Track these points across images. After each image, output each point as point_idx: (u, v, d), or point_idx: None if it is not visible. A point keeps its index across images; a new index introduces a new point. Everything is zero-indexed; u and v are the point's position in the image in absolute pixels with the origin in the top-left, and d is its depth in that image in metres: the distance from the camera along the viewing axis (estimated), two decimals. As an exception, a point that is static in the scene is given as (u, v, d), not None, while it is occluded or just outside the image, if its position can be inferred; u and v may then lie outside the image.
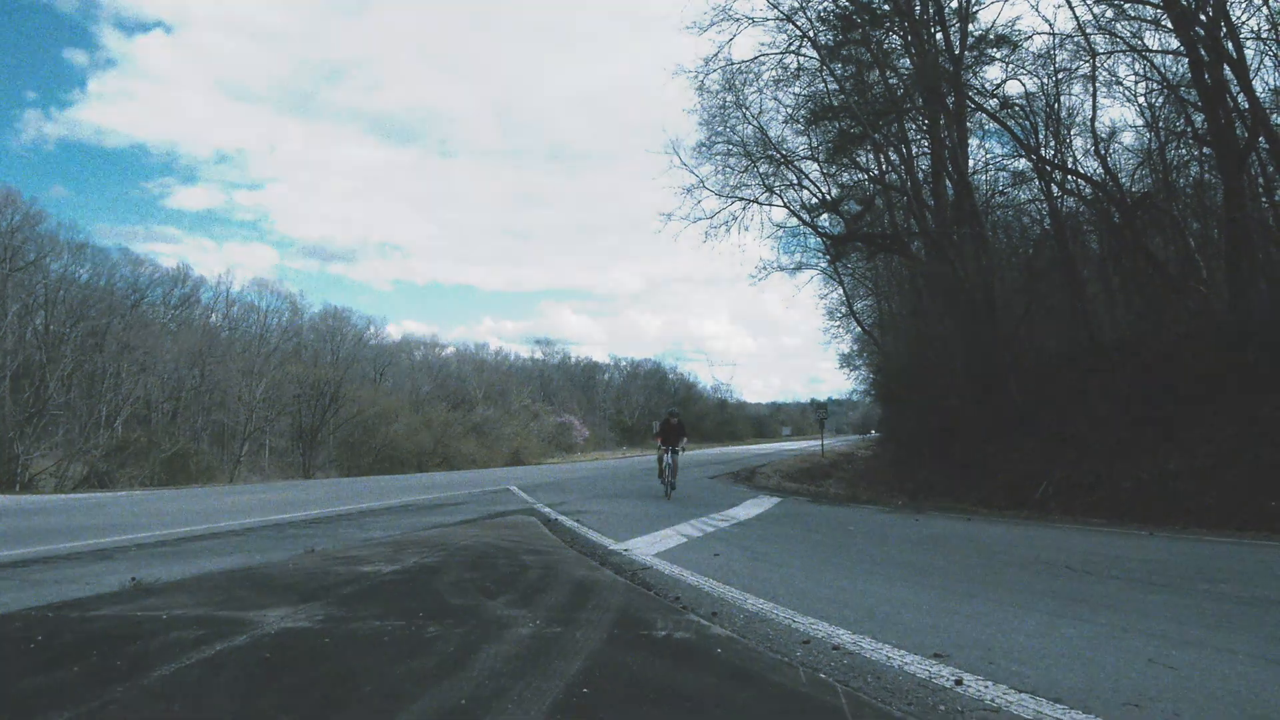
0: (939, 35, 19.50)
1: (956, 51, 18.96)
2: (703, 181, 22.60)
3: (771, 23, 20.46)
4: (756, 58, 20.85)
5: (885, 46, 20.50)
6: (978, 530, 10.39)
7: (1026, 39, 18.43)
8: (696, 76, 21.25)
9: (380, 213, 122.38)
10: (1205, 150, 16.14)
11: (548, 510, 12.87)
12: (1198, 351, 13.71)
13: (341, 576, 6.54)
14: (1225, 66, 14.36)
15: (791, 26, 20.49)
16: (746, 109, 22.05)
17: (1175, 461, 12.81)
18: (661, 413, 18.68)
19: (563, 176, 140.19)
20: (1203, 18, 14.39)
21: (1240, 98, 14.44)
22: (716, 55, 20.86)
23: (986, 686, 3.48)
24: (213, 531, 10.33)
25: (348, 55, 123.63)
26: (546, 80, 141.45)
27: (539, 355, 73.38)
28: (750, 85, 21.58)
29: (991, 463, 16.00)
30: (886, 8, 20.27)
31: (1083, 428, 14.59)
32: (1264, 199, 15.02)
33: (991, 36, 19.18)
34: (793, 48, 20.63)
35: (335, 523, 11.44)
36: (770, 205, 23.06)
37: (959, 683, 3.53)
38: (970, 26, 19.15)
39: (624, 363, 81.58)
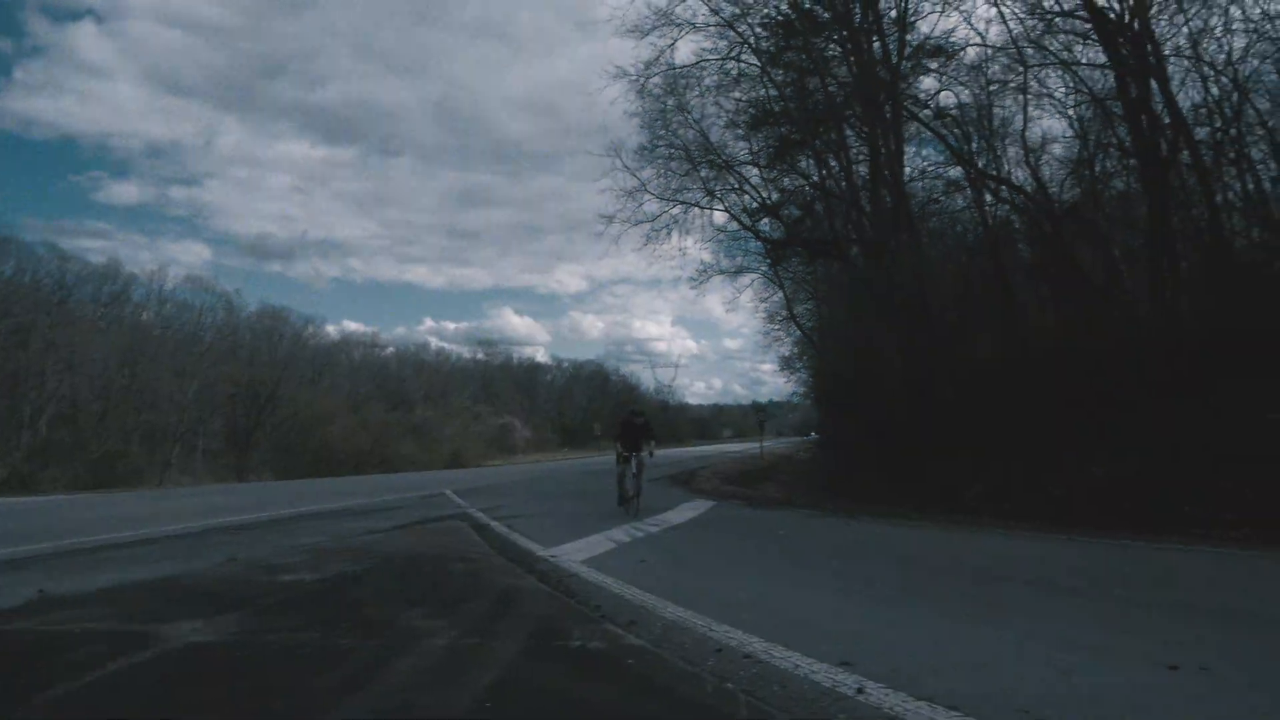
0: (877, 44, 19.77)
1: (894, 61, 19.24)
2: (644, 185, 22.58)
3: (713, 29, 20.56)
4: (698, 63, 20.93)
5: (826, 54, 20.72)
6: (904, 535, 10.56)
7: (960, 50, 18.76)
8: (637, 80, 21.25)
9: (320, 210, 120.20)
10: (1131, 162, 16.56)
11: (481, 515, 12.79)
12: (1121, 360, 14.07)
13: (261, 586, 6.44)
14: (1151, 81, 14.77)
15: (733, 33, 20.62)
16: (688, 113, 22.10)
17: (1100, 467, 13.15)
18: (622, 411, 16.24)
19: (506, 176, 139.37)
20: (1128, 34, 14.79)
21: (1164, 111, 14.86)
22: (657, 60, 20.85)
23: (887, 694, 3.55)
24: (134, 539, 10.08)
25: (287, 50, 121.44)
26: (491, 79, 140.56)
27: (481, 356, 72.92)
28: (692, 90, 21.65)
29: (926, 467, 16.23)
30: (827, 16, 20.48)
31: (1013, 434, 14.89)
32: (1190, 211, 15.44)
33: (929, 47, 19.50)
34: (733, 54, 20.75)
35: (263, 529, 11.24)
36: (711, 209, 23.15)
37: (860, 691, 3.59)
38: (909, 36, 19.46)
39: (566, 364, 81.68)
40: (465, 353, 73.90)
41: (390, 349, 63.34)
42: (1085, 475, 13.05)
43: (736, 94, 21.96)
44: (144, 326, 42.93)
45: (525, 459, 51.36)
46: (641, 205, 22.60)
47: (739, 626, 4.88)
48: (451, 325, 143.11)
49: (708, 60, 21.06)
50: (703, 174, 22.64)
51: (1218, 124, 14.87)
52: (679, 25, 20.36)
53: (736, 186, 23.16)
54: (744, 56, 20.98)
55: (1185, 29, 14.87)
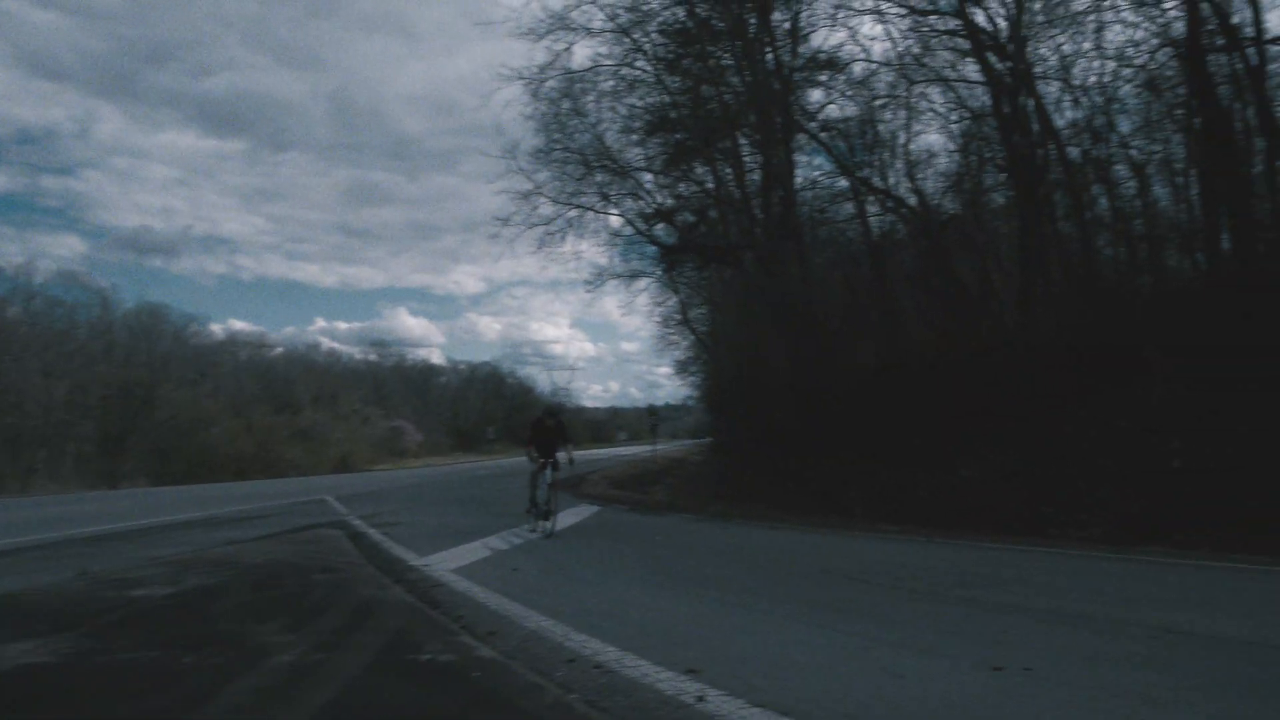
0: (770, 56, 20.18)
1: (786, 73, 19.69)
2: (539, 187, 22.47)
3: (609, 34, 20.62)
4: (593, 68, 20.95)
5: (721, 63, 21.04)
6: (777, 539, 10.79)
7: (846, 65, 19.30)
8: (532, 84, 21.14)
9: (206, 204, 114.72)
10: (1005, 176, 17.27)
11: (358, 522, 12.52)
12: (994, 370, 14.64)
13: (107, 602, 6.15)
14: (1027, 100, 15.44)
15: (628, 40, 20.73)
16: (585, 117, 22.13)
17: (968, 471, 13.70)
18: (535, 413, 14.61)
19: (403, 175, 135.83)
20: (1005, 54, 15.44)
21: (1038, 129, 15.54)
22: (553, 63, 20.77)
23: (725, 701, 3.61)
24: (-22, 551, 9.51)
25: (173, 36, 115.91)
26: (387, 75, 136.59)
27: (373, 357, 71.31)
28: (588, 94, 21.68)
29: (810, 472, 16.62)
30: (723, 25, 20.76)
31: (893, 440, 15.35)
32: (1057, 226, 16.14)
33: (820, 60, 20.01)
34: (628, 60, 20.86)
35: (123, 540, 10.75)
36: (607, 213, 23.21)
37: (701, 699, 3.64)
38: (801, 49, 19.95)
39: (462, 366, 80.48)
40: (357, 354, 72.34)
41: (279, 349, 61.42)
42: (955, 480, 13.58)
43: (632, 100, 22.12)
44: (9, 324, 40.46)
45: (416, 463, 50.39)
46: (537, 208, 22.48)
47: (598, 635, 4.90)
48: (344, 325, 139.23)
49: (603, 66, 21.14)
50: (598, 178, 22.70)
51: (1087, 143, 15.63)
52: (574, 30, 20.37)
53: (631, 191, 23.30)
54: (639, 64, 21.14)
55: (1059, 52, 15.59)
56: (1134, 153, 15.08)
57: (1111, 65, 14.88)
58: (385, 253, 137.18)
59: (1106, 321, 13.63)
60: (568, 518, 13.38)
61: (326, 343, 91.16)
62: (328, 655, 4.46)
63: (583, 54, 23.98)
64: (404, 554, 8.84)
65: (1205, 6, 13.01)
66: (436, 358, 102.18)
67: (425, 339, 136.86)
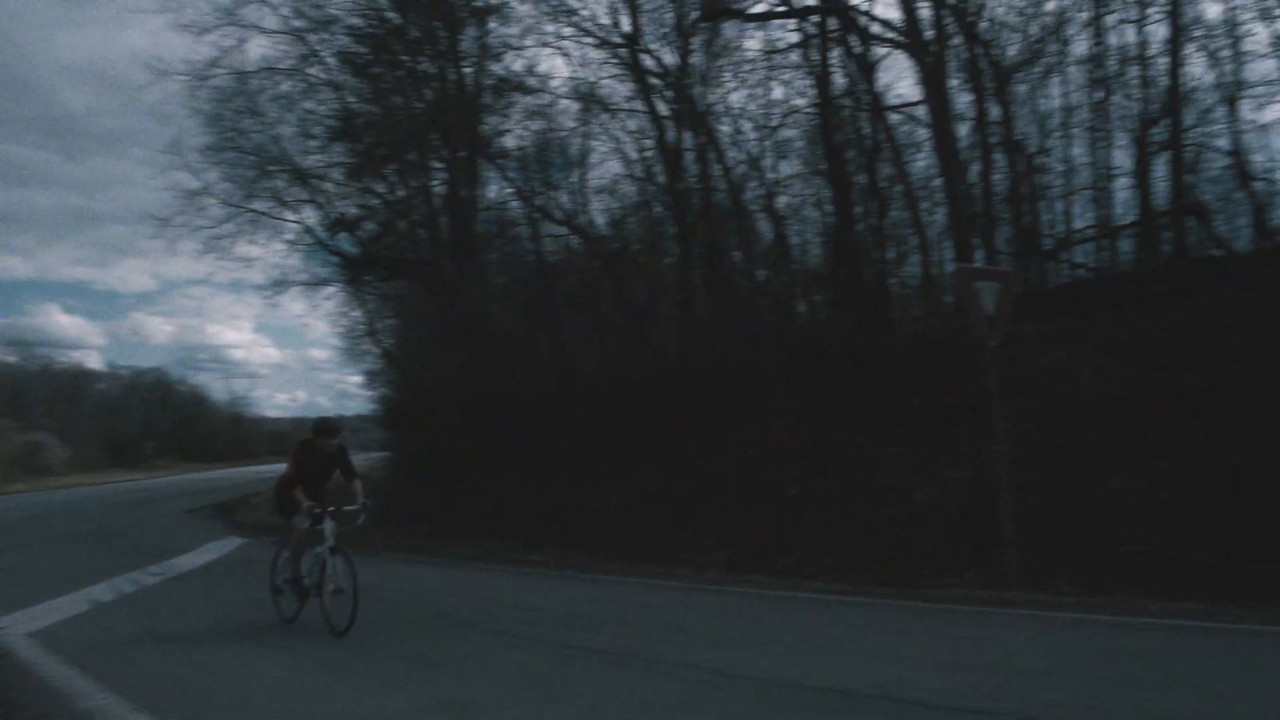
0: (456, 74, 20.10)
1: (474, 92, 19.74)
2: (208, 187, 20.78)
3: (286, 35, 19.54)
4: (261, 70, 19.77)
5: (412, 75, 20.63)
6: (414, 577, 10.63)
7: (532, 91, 19.65)
8: (194, 80, 19.53)
9: None
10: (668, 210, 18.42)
11: (-63, 570, 10.96)
12: (650, 396, 15.48)
13: None
14: (697, 138, 16.55)
15: (304, 44, 19.79)
16: (261, 117, 20.80)
17: (619, 494, 14.44)
18: (304, 432, 9.31)
19: (59, 154, 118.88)
20: (677, 96, 16.48)
21: (710, 166, 16.70)
22: (220, 60, 19.28)
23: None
24: None
25: None
26: (42, 40, 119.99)
27: (12, 359, 62.23)
28: (265, 93, 20.40)
29: (478, 496, 16.71)
30: (418, 34, 20.38)
31: (560, 463, 15.80)
32: (714, 261, 17.39)
33: (510, 83, 20.19)
34: (301, 66, 19.93)
35: None
36: (284, 219, 21.94)
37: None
38: (494, 67, 20.05)
39: (124, 371, 72.40)
40: (-8, 356, 62.93)
41: (-117, 349, 52.26)
42: (608, 505, 14.27)
43: (310, 104, 21.10)
44: None
45: (59, 482, 44.60)
46: (205, 209, 20.79)
47: (160, 714, 4.64)
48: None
49: (277, 69, 20.02)
50: (276, 182, 21.45)
51: (742, 185, 17.02)
52: (246, 27, 19.11)
53: (312, 198, 22.24)
54: (314, 69, 20.24)
55: (725, 98, 16.86)
56: (783, 199, 16.73)
57: (773, 115, 16.39)
58: (34, 241, 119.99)
59: (747, 355, 14.91)
60: (203, 555, 12.27)
61: (-47, 343, 78.23)
62: None
63: (258, 52, 22.54)
64: (-20, 613, 7.86)
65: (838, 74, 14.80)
66: (94, 361, 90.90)
67: (81, 340, 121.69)
